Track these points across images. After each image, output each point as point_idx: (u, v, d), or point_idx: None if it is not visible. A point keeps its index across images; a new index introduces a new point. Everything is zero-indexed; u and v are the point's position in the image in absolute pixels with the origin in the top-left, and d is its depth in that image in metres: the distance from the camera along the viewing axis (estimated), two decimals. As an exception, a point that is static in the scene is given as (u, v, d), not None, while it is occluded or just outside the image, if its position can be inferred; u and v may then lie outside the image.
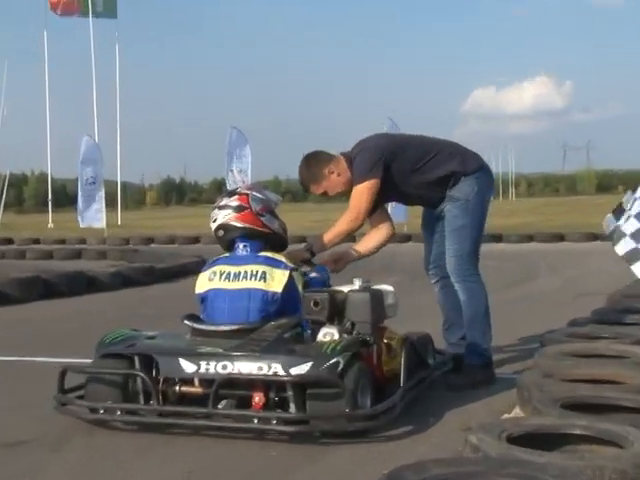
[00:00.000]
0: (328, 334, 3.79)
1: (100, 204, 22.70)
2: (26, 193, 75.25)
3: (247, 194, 4.17)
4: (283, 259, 4.05)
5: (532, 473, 2.18)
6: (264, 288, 3.93)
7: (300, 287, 4.03)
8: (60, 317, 8.08)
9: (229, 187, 21.90)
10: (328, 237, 4.49)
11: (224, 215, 4.12)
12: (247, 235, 4.09)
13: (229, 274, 4.01)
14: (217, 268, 4.06)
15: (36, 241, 22.06)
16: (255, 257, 4.04)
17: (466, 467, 2.26)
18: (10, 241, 21.85)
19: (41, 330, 7.15)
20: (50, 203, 33.39)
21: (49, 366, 4.86)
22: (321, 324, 3.87)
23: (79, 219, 22.90)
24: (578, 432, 2.68)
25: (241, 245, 4.09)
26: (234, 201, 4.14)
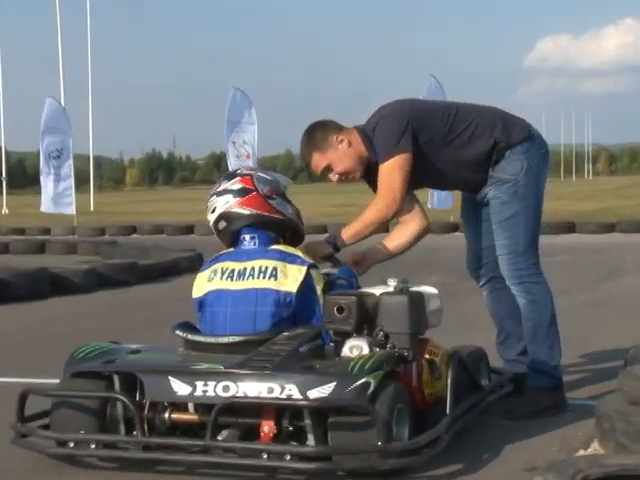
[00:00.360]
0: (355, 348, 3.80)
1: (68, 184, 22.34)
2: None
3: (250, 174, 4.23)
4: (299, 253, 4.10)
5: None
6: (275, 288, 3.97)
7: (319, 288, 4.06)
8: (19, 326, 8.15)
9: (230, 163, 22.02)
10: (355, 229, 4.51)
11: (225, 202, 4.17)
12: (255, 224, 4.15)
13: (232, 272, 4.06)
14: (218, 266, 4.11)
15: (-14, 231, 22.25)
16: (265, 251, 4.09)
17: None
18: (-46, 231, 22.04)
19: (-4, 342, 7.20)
20: (4, 183, 33.52)
21: (5, 388, 4.90)
22: (347, 335, 3.88)
23: (41, 203, 22.58)
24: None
25: (247, 237, 4.15)
26: (236, 184, 4.19)
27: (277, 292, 3.97)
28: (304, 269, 4.02)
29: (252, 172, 4.26)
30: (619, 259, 13.28)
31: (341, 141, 4.55)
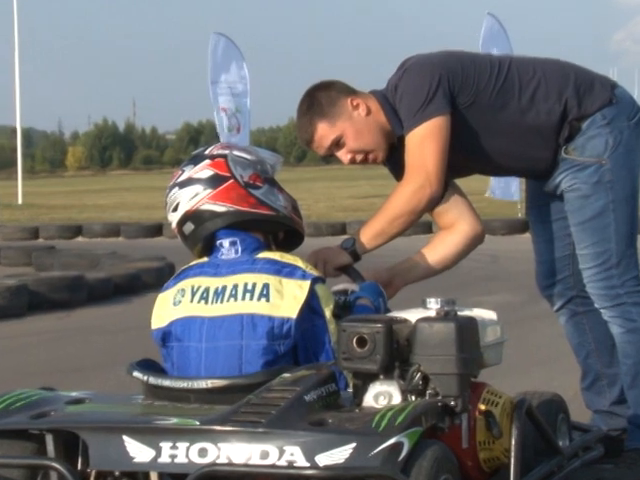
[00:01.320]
0: (383, 395, 3.82)
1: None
2: None
3: (224, 155, 4.22)
4: (299, 262, 4.08)
5: None
6: (267, 312, 3.96)
7: (329, 311, 4.07)
8: None
9: (222, 136, 22.07)
10: (376, 226, 4.53)
11: (191, 196, 4.16)
12: (235, 224, 4.14)
13: (207, 292, 4.06)
14: (187, 283, 4.12)
15: None
16: (251, 261, 4.08)
17: None
18: None
19: None
20: None
21: None
22: (371, 377, 3.89)
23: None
24: None
25: (226, 242, 4.15)
26: (205, 170, 4.18)
27: (270, 318, 3.96)
28: (306, 285, 4.00)
29: (226, 151, 4.25)
30: None
31: (357, 106, 4.58)
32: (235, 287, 4.03)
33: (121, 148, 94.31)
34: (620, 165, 4.63)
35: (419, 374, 3.93)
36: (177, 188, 4.21)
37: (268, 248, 4.17)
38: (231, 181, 4.16)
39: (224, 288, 4.04)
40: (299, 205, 4.38)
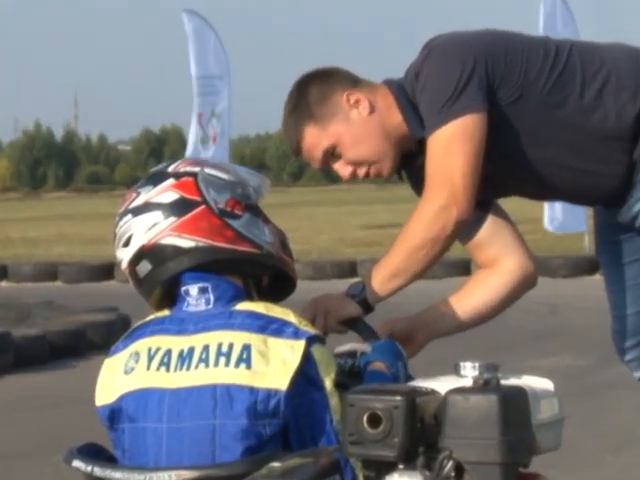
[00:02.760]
0: (403, 491, 3.83)
1: None
2: None
3: (194, 174, 4.16)
4: (290, 317, 4.05)
5: None
6: (248, 383, 3.94)
7: (329, 381, 4.05)
8: None
9: (190, 153, 22.21)
10: (392, 264, 4.49)
11: (147, 226, 4.10)
12: (206, 265, 4.11)
13: (168, 355, 4.04)
14: (141, 345, 4.09)
15: None
16: (227, 314, 4.06)
17: None
18: None
19: None
20: None
21: None
22: (387, 466, 3.91)
23: None
24: None
25: (194, 289, 4.10)
26: (167, 192, 4.12)
27: (252, 391, 3.93)
28: (300, 346, 3.97)
29: (197, 169, 4.19)
30: None
31: (355, 103, 4.55)
32: (206, 349, 3.99)
33: (59, 163, 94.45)
34: None
35: (451, 463, 3.97)
36: (130, 215, 4.15)
37: (249, 297, 4.14)
38: (202, 207, 4.10)
39: (191, 350, 4.01)
40: (289, 240, 4.35)
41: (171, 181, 4.15)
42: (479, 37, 4.64)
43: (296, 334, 4.00)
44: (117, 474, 3.97)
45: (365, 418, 3.92)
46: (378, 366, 4.30)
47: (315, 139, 4.55)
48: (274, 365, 3.96)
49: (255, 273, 4.22)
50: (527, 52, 4.62)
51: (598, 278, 17.96)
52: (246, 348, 3.96)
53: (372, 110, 4.55)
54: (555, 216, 21.10)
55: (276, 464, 3.90)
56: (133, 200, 4.17)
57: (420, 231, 4.43)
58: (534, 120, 4.60)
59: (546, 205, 20.59)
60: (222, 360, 3.96)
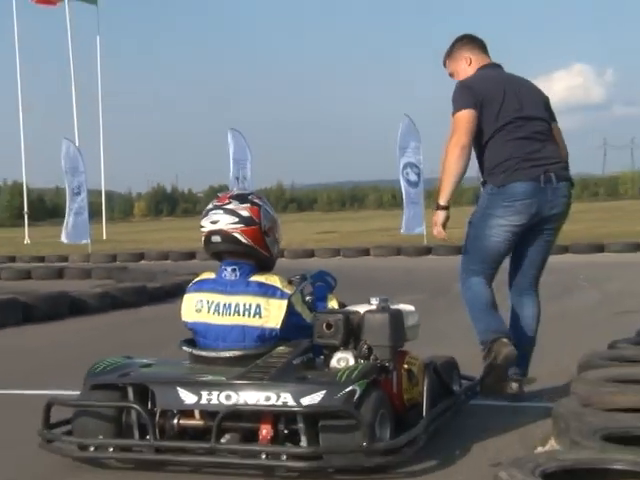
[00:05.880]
0: (342, 360, 3.82)
1: (84, 216, 22.91)
2: (-2, 205, 74.76)
3: (259, 206, 4.06)
4: (278, 283, 3.98)
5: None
6: (260, 325, 3.93)
7: (302, 309, 4.01)
8: (42, 344, 8.11)
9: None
10: (450, 173, 4.60)
11: (229, 222, 4.00)
12: (242, 254, 4.03)
13: (218, 306, 3.97)
14: (204, 296, 4.01)
15: (11, 259, 22.18)
16: (246, 284, 3.97)
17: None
18: (-18, 259, 21.96)
19: (21, 360, 7.15)
20: (26, 216, 33.45)
21: (32, 399, 4.89)
22: (335, 349, 3.90)
23: (63, 235, 22.93)
24: (621, 467, 2.69)
25: (229, 268, 4.01)
26: (245, 210, 4.02)
27: (262, 328, 3.93)
28: (285, 303, 3.93)
29: (261, 204, 4.07)
30: (572, 278, 13.17)
31: (469, 62, 4.79)
32: (237, 306, 3.94)
33: (168, 203, 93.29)
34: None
35: (366, 346, 3.94)
36: (222, 211, 4.03)
37: (256, 272, 4.02)
38: (257, 226, 4.03)
39: (230, 305, 3.95)
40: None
41: (247, 205, 4.05)
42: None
43: (282, 295, 3.96)
44: (204, 352, 3.97)
45: (324, 325, 3.92)
46: (321, 288, 4.26)
47: (447, 64, 4.89)
48: (273, 314, 3.94)
49: (263, 265, 4.10)
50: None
51: (431, 257, 17.90)
52: (258, 306, 3.93)
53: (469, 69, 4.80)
54: (401, 224, 21.06)
55: (281, 348, 3.90)
56: (226, 204, 4.05)
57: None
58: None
59: (403, 217, 20.79)
60: (246, 313, 3.94)
